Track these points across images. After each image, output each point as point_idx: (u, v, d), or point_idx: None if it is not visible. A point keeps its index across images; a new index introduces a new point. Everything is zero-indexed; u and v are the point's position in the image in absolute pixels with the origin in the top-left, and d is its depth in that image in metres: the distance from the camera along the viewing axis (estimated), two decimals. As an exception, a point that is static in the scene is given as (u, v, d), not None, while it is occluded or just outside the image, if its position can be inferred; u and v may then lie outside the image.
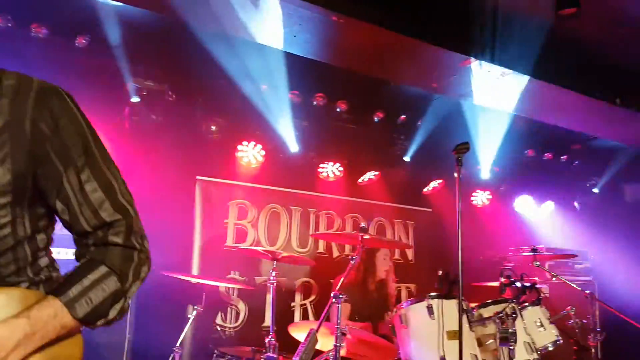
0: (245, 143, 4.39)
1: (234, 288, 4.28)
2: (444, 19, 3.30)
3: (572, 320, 3.76)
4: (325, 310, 2.87)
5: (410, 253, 5.27)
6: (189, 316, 3.33)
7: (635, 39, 3.59)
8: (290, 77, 4.20)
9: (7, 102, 0.95)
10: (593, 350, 3.76)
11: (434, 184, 5.33)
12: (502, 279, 3.40)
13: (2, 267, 1.00)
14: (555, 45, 3.66)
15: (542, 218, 6.00)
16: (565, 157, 5.53)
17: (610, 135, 5.00)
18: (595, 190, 5.96)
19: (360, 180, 4.98)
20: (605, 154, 5.50)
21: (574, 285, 3.88)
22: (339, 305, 2.89)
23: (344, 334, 2.94)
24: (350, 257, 3.15)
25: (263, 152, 4.46)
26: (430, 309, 2.93)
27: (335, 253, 4.87)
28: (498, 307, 3.04)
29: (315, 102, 4.58)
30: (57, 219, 1.09)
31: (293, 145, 4.60)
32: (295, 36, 3.41)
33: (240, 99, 4.23)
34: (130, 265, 1.06)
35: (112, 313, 1.05)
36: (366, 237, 3.20)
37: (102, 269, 1.03)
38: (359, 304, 4.02)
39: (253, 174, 4.51)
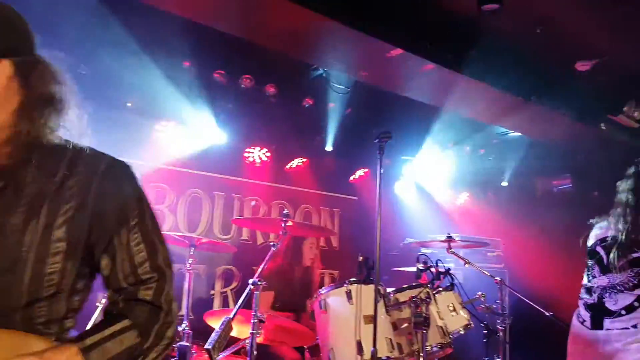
0: (164, 123, 4.17)
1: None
2: (377, 7, 3.29)
3: (482, 305, 3.95)
4: (242, 298, 2.80)
5: (335, 240, 5.31)
6: (97, 304, 3.12)
7: (550, 40, 3.77)
8: (216, 56, 4.03)
9: (82, 169, 1.08)
10: (501, 333, 3.96)
11: (360, 172, 5.39)
12: (418, 265, 3.50)
13: (36, 315, 1.02)
14: (477, 41, 3.77)
15: (459, 207, 6.27)
16: (482, 150, 5.79)
17: (525, 131, 5.28)
18: (504, 183, 6.30)
19: (287, 166, 4.91)
20: (519, 148, 5.80)
21: (486, 272, 4.06)
22: (257, 293, 2.86)
23: (261, 321, 2.89)
24: (271, 243, 3.12)
25: (183, 132, 4.25)
26: (349, 294, 2.95)
27: (260, 240, 4.80)
28: (413, 292, 3.11)
29: (242, 84, 4.43)
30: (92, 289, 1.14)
31: (217, 128, 4.43)
32: (221, 12, 3.26)
33: (160, 76, 4.01)
34: (154, 323, 1.09)
35: None
36: (289, 223, 3.17)
37: (125, 322, 1.06)
38: (284, 292, 3.99)
39: (173, 156, 4.30)
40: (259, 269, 2.97)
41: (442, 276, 3.51)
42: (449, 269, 3.58)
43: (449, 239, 4.08)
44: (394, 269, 4.31)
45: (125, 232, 1.10)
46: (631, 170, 2.07)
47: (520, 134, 5.39)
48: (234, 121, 4.52)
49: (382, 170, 2.82)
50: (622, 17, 3.41)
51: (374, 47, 3.45)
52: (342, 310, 2.91)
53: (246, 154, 4.74)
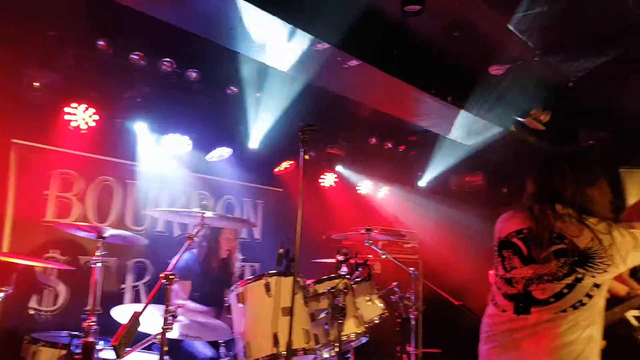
0: (74, 105, 3.87)
1: (52, 268, 3.80)
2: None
3: (396, 295, 4.10)
4: (153, 292, 2.70)
5: (257, 232, 5.25)
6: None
7: (467, 44, 3.95)
8: (136, 37, 3.81)
9: None
10: (413, 321, 4.14)
11: (285, 164, 5.35)
12: (338, 257, 3.56)
13: None
14: (401, 40, 3.87)
15: (381, 201, 6.45)
16: (403, 146, 5.99)
17: (442, 130, 5.51)
18: (423, 181, 6.58)
19: (209, 156, 4.76)
20: (437, 146, 6.05)
21: (400, 263, 4.22)
22: (169, 287, 2.76)
23: (174, 316, 2.79)
24: (187, 235, 3.02)
25: (96, 117, 3.94)
26: (267, 286, 2.92)
27: (177, 232, 4.63)
28: (332, 283, 3.14)
29: (162, 68, 4.22)
30: None
31: (133, 112, 4.19)
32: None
33: (73, 54, 3.73)
34: None
35: None
36: (208, 215, 3.08)
37: None
38: (202, 285, 3.89)
39: (82, 141, 4.00)
40: (172, 263, 2.89)
41: (360, 267, 3.59)
42: (367, 261, 3.67)
43: (368, 231, 4.18)
44: (316, 260, 4.34)
45: None
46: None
47: (439, 133, 5.61)
48: (152, 107, 4.28)
49: (305, 159, 2.78)
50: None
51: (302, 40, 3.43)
52: (260, 303, 2.88)
53: (164, 141, 4.52)
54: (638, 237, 1.91)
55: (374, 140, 5.71)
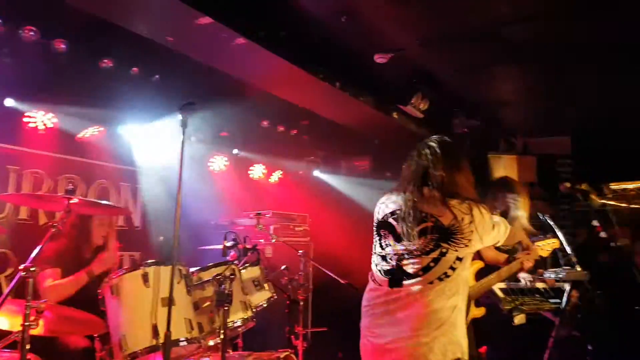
0: None
1: None
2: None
3: (286, 278, 4.13)
4: (11, 286, 2.40)
5: (137, 219, 4.92)
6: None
7: (354, 30, 4.01)
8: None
9: None
10: (302, 302, 4.20)
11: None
12: (225, 243, 3.47)
13: None
14: (289, 23, 3.81)
15: (272, 185, 6.43)
16: (295, 130, 5.99)
17: (332, 115, 5.59)
18: (315, 163, 6.68)
19: (80, 135, 4.32)
20: (329, 130, 6.15)
21: (290, 246, 4.25)
22: (31, 280, 2.48)
23: (39, 312, 2.51)
24: (51, 224, 2.72)
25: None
26: (145, 277, 2.75)
27: (43, 219, 4.16)
28: (218, 270, 3.05)
29: (23, 36, 3.73)
30: None
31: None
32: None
33: None
34: None
35: None
36: (74, 201, 2.79)
37: None
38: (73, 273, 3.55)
39: None
40: (33, 254, 2.60)
41: (249, 252, 3.55)
42: (256, 245, 3.64)
43: (258, 215, 4.14)
44: (203, 247, 4.18)
45: None
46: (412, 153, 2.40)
47: (329, 118, 5.69)
48: (12, 79, 3.78)
49: (185, 140, 2.61)
50: (414, 15, 3.80)
51: (182, 12, 3.20)
52: (137, 294, 2.70)
53: (27, 119, 4.02)
54: (495, 221, 2.22)
55: (265, 123, 5.63)
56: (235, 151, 5.88)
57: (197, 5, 3.22)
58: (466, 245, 2.08)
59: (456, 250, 2.08)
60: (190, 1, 3.18)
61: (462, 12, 3.72)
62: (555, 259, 3.98)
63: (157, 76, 4.32)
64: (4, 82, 3.76)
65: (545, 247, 3.76)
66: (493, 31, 3.91)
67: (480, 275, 3.48)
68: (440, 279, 2.06)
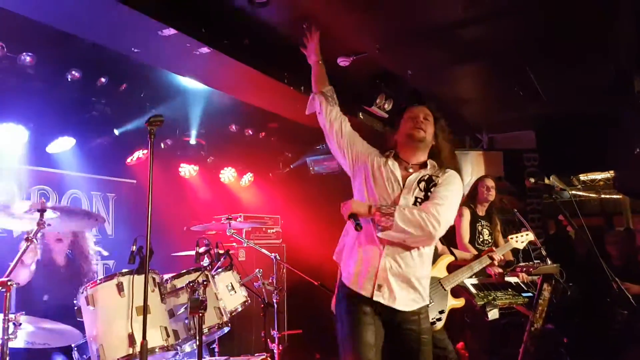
0: None
1: None
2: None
3: (259, 281, 4.22)
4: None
5: (109, 227, 4.94)
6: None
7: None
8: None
9: None
10: (277, 305, 4.30)
11: (138, 153, 5.09)
12: (198, 249, 3.53)
13: None
14: (248, 29, 3.89)
15: (243, 188, 6.50)
16: (263, 133, 6.07)
17: (298, 118, 5.68)
18: (284, 167, 6.77)
19: (49, 147, 4.33)
20: (297, 133, 6.25)
21: (262, 249, 4.33)
22: (9, 294, 2.53)
23: (16, 325, 2.57)
24: (26, 236, 2.78)
25: None
26: (120, 286, 2.82)
27: (18, 232, 4.16)
28: (191, 277, 3.14)
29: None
30: None
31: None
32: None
33: None
34: None
35: None
36: (48, 214, 2.84)
37: None
38: (50, 282, 3.57)
39: None
40: (10, 267, 2.66)
41: (222, 257, 3.61)
42: (228, 250, 3.70)
43: (229, 220, 4.21)
44: (175, 254, 4.24)
45: None
46: None
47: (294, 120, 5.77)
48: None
49: (153, 150, 2.68)
50: (373, 20, 3.92)
51: (146, 25, 3.27)
52: (113, 303, 2.78)
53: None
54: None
55: (233, 127, 5.69)
56: (209, 159, 5.92)
57: (162, 18, 3.29)
58: None
59: None
60: (155, 14, 3.24)
61: (419, 13, 3.85)
62: (526, 253, 4.14)
63: (124, 85, 4.34)
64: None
65: (519, 239, 3.95)
66: (451, 31, 4.06)
67: (451, 268, 3.65)
68: None
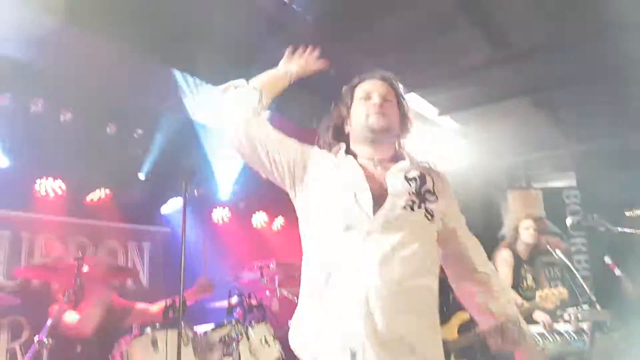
0: None
1: None
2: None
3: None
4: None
5: (144, 278, 4.97)
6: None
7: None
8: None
9: None
10: None
11: (172, 202, 5.16)
12: (230, 300, 3.49)
13: None
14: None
15: (275, 233, 6.46)
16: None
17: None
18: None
19: (88, 198, 4.45)
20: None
21: (295, 298, 4.23)
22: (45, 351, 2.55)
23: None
24: (65, 293, 2.82)
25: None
26: (155, 342, 2.80)
27: (55, 286, 4.22)
28: (224, 331, 3.09)
29: (32, 108, 3.93)
30: None
31: (1, 157, 3.86)
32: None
33: None
34: None
35: None
36: (85, 270, 2.89)
37: None
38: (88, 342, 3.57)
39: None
40: (47, 325, 2.68)
41: (255, 309, 3.54)
42: (262, 301, 3.63)
43: (261, 267, 4.16)
44: (209, 305, 4.19)
45: None
46: None
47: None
48: (23, 149, 3.96)
49: (186, 205, 2.71)
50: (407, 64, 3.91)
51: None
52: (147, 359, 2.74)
53: (37, 186, 4.16)
54: None
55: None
56: (240, 204, 5.95)
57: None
58: None
59: None
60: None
61: (452, 57, 3.84)
62: (574, 296, 3.84)
63: (158, 139, 4.47)
64: (16, 152, 3.91)
65: (548, 297, 3.59)
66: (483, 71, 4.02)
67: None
68: None
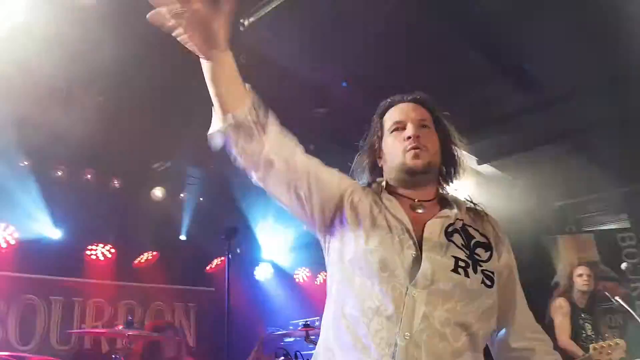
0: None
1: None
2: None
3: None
4: None
5: (190, 338, 4.98)
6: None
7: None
8: (56, 152, 3.80)
9: None
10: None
11: (217, 261, 5.24)
12: (277, 360, 3.44)
13: None
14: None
15: (318, 287, 6.39)
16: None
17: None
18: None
19: (135, 262, 4.61)
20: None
21: None
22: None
23: None
24: (114, 356, 2.87)
25: (16, 235, 3.85)
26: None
27: (105, 348, 4.32)
28: (271, 392, 3.03)
29: (84, 179, 4.19)
30: None
31: (54, 226, 4.08)
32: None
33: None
34: None
35: None
36: (132, 333, 2.94)
37: None
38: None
39: (2, 259, 3.81)
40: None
41: (302, 370, 3.46)
42: (307, 360, 3.56)
43: (306, 326, 4.10)
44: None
45: None
46: None
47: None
48: (75, 218, 4.19)
49: (230, 262, 2.76)
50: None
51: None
52: None
53: (88, 252, 4.36)
54: None
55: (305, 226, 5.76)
56: (284, 264, 5.98)
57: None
58: None
59: None
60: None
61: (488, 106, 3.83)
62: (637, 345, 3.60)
63: (201, 199, 4.63)
64: (66, 221, 4.13)
65: (604, 350, 3.25)
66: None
67: None
68: None
